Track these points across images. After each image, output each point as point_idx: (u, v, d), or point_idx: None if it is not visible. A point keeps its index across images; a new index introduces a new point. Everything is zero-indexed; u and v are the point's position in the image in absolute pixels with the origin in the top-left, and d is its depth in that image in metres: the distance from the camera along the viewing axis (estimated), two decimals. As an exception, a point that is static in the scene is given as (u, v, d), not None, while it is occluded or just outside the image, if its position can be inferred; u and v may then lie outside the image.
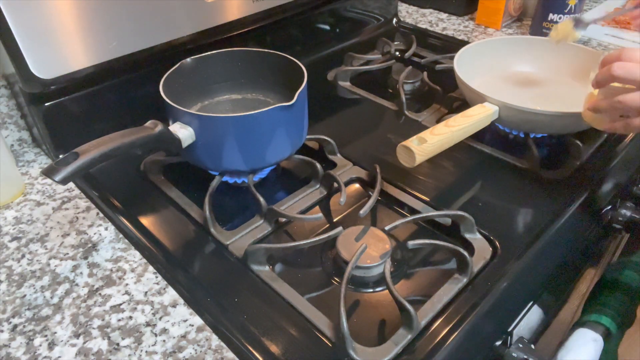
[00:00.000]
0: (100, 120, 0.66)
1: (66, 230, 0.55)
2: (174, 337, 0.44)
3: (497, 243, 0.52)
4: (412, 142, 0.55)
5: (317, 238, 0.49)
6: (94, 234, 0.55)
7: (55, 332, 0.44)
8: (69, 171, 0.45)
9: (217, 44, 0.72)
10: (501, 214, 0.56)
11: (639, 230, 0.64)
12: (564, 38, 0.68)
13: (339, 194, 0.56)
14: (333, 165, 0.63)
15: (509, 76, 0.77)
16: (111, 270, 0.50)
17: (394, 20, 1.03)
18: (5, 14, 0.53)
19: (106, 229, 0.55)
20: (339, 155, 0.65)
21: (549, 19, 0.92)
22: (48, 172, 0.44)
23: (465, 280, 0.48)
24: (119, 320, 0.45)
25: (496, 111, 0.62)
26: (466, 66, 0.70)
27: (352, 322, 0.46)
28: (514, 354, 0.47)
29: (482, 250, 0.51)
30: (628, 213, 0.63)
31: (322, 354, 0.42)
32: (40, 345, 0.43)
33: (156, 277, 0.49)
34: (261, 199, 0.55)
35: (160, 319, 0.45)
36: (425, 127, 0.71)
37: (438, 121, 0.72)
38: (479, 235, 0.53)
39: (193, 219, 0.56)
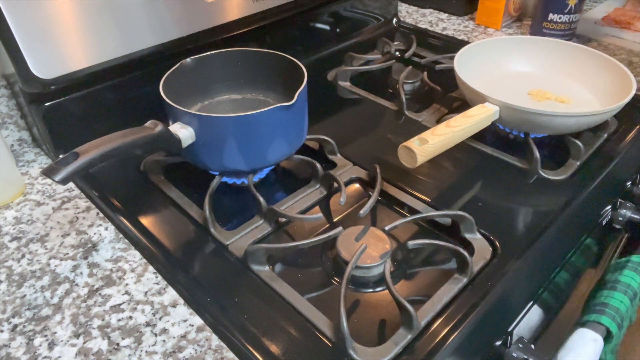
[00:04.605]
0: (100, 120, 0.66)
1: (66, 230, 0.55)
2: (174, 337, 0.44)
3: (497, 243, 0.52)
4: (413, 143, 0.55)
5: (317, 238, 0.48)
6: (94, 234, 0.55)
7: (55, 332, 0.44)
8: (69, 171, 0.45)
9: (217, 44, 0.72)
10: (501, 214, 0.56)
11: (639, 230, 0.64)
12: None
13: (339, 194, 0.56)
14: (333, 165, 0.63)
15: (509, 76, 0.77)
16: (111, 270, 0.50)
17: (394, 20, 1.03)
18: (5, 14, 0.53)
19: (106, 229, 0.55)
20: (339, 155, 0.65)
21: (549, 19, 0.92)
22: (48, 172, 0.44)
23: (465, 280, 0.48)
24: (119, 320, 0.45)
25: (497, 111, 0.62)
26: (466, 66, 0.70)
27: (352, 322, 0.46)
28: (514, 354, 0.47)
29: (482, 250, 0.51)
30: (628, 213, 0.63)
31: (322, 354, 0.42)
32: (40, 345, 0.43)
33: (156, 277, 0.49)
34: (261, 199, 0.55)
35: (160, 319, 0.45)
36: (425, 127, 0.71)
37: (438, 121, 0.72)
38: (479, 235, 0.53)
39: (193, 219, 0.56)
